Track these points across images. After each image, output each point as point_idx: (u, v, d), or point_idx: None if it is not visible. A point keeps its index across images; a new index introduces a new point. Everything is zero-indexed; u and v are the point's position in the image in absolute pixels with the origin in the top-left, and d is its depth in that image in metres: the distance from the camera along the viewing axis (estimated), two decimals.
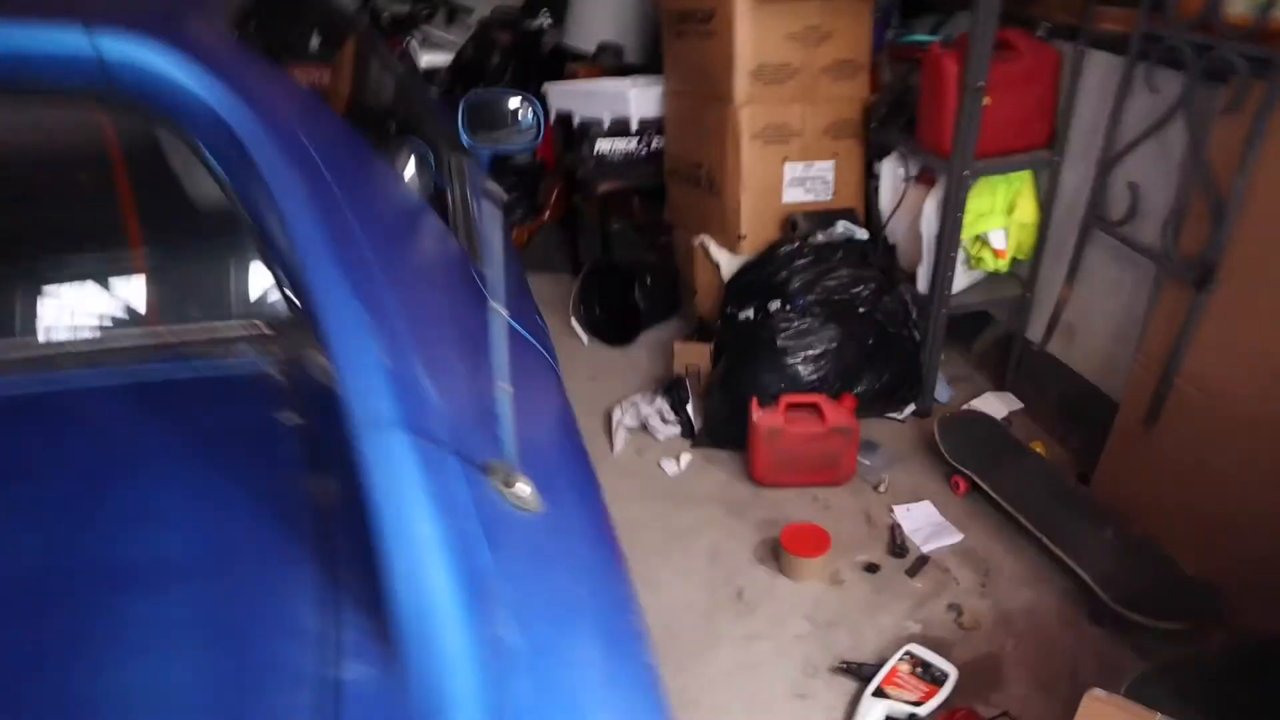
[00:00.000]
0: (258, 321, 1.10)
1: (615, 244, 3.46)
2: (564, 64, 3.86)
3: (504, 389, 0.89)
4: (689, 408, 2.87)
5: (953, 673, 1.96)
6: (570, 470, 1.13)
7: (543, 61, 3.98)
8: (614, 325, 3.37)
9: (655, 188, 3.40)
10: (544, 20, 4.05)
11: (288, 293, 1.09)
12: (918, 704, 1.90)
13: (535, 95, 2.46)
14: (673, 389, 2.95)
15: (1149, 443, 2.25)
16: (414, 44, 4.23)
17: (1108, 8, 2.38)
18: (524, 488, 0.94)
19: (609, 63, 3.66)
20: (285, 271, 1.00)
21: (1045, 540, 2.27)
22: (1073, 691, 1.72)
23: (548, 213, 4.09)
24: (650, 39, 3.61)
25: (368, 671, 0.69)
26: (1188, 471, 2.15)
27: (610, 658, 0.84)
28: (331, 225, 0.96)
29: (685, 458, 2.74)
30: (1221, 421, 2.04)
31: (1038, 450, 2.63)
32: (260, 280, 1.15)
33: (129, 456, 0.91)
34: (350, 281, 0.89)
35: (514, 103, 2.04)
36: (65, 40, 0.93)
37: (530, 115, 2.05)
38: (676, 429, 2.85)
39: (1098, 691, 1.45)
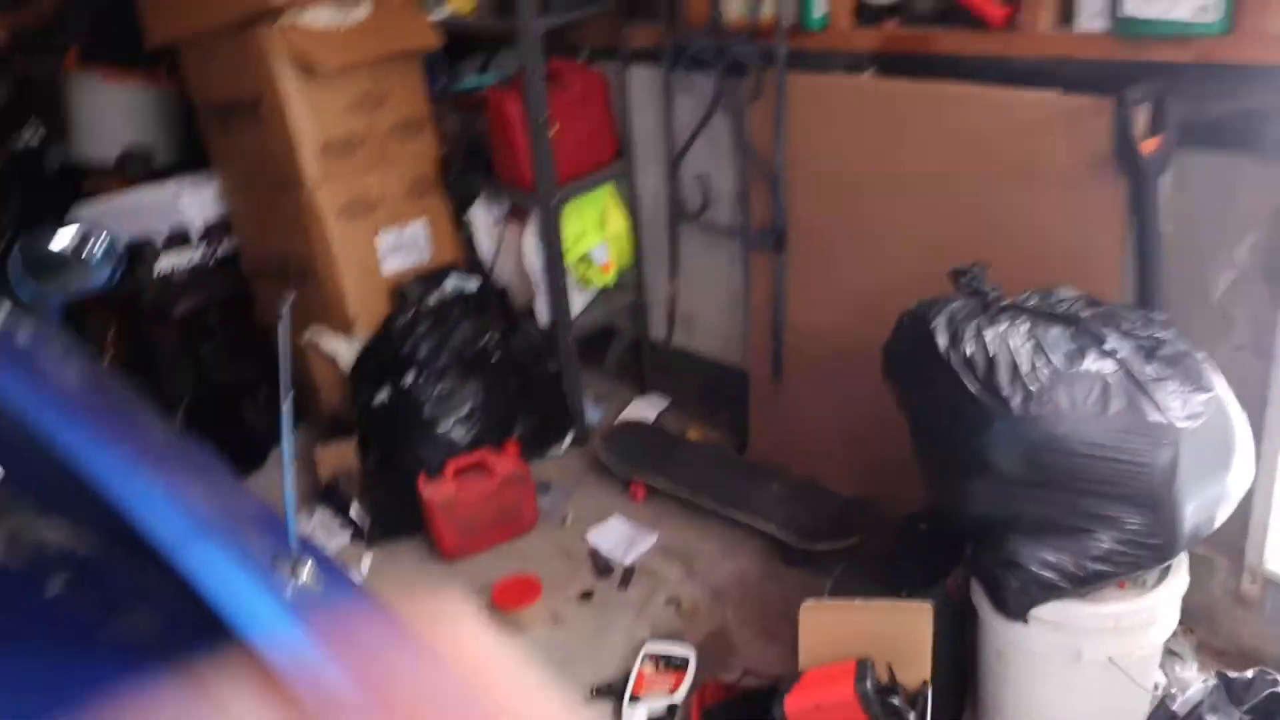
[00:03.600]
0: None
1: (209, 368, 3.57)
2: (79, 182, 3.88)
3: (287, 488, 1.17)
4: (352, 511, 3.09)
5: (691, 654, 2.41)
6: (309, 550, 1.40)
7: (51, 184, 3.96)
8: (236, 455, 3.47)
9: (233, 297, 3.57)
10: (37, 133, 4.03)
11: None
12: (671, 693, 2.32)
13: (56, 226, 2.51)
14: (328, 497, 3.15)
15: (781, 396, 2.90)
16: None
17: (636, 26, 3.02)
18: (307, 571, 1.22)
19: (138, 171, 3.76)
20: None
21: (726, 512, 2.82)
22: (793, 630, 2.24)
23: (108, 357, 4.06)
24: (182, 135, 3.77)
25: None
26: (815, 409, 2.81)
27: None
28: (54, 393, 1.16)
29: (366, 560, 2.96)
30: (824, 359, 2.72)
31: (694, 437, 3.21)
32: None
33: None
34: (101, 432, 1.11)
35: (75, 236, 2.18)
36: None
37: (105, 245, 2.20)
38: (347, 536, 3.06)
39: (809, 601, 1.96)
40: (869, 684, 1.78)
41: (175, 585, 1.06)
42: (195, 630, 1.03)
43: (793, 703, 1.82)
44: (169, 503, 1.06)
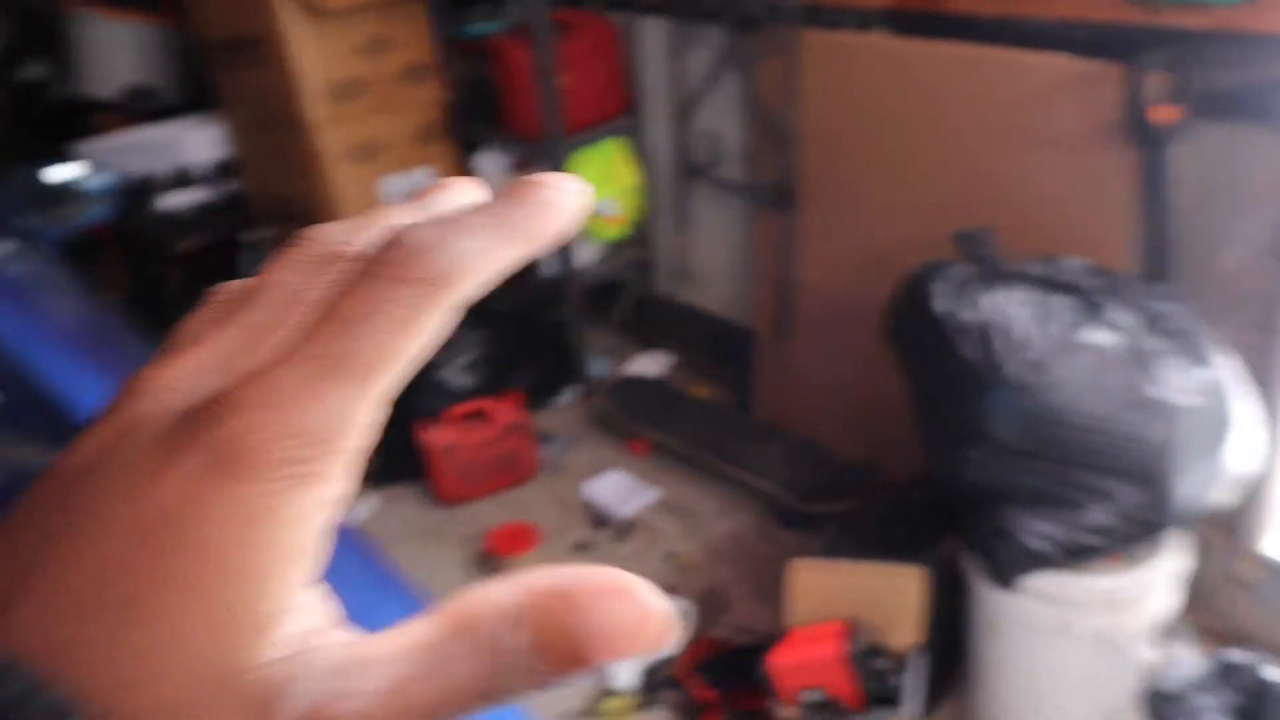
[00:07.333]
0: None
1: None
2: (84, 118, 3.87)
3: None
4: None
5: (684, 606, 2.43)
6: None
7: (55, 119, 3.95)
8: None
9: (240, 238, 3.57)
10: (42, 68, 4.02)
11: None
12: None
13: (57, 160, 2.52)
14: None
15: (786, 355, 2.89)
16: None
17: None
18: None
19: (144, 108, 3.75)
20: None
21: (727, 470, 2.83)
22: (784, 592, 2.26)
23: (112, 293, 4.08)
24: (190, 74, 3.75)
25: None
26: (821, 371, 2.81)
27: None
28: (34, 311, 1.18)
29: (367, 502, 2.99)
30: (830, 319, 2.72)
31: (698, 394, 3.22)
32: None
33: None
34: (88, 364, 1.13)
35: (73, 171, 2.20)
36: None
37: (100, 180, 2.22)
38: None
39: (798, 560, 1.98)
40: (856, 645, 1.80)
41: None
42: None
43: (776, 660, 1.84)
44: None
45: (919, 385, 1.93)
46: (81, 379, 1.15)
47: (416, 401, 3.02)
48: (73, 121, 3.87)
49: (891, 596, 1.92)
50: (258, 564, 0.21)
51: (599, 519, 2.82)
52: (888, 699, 1.83)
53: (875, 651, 1.85)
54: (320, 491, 0.22)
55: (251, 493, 0.21)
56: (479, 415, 2.97)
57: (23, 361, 1.15)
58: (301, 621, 0.21)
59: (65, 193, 2.12)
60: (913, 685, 1.85)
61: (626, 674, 2.29)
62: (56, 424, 1.14)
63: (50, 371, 1.13)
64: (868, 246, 2.56)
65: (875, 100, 2.44)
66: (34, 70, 3.96)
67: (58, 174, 2.11)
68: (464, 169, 3.41)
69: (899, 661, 1.88)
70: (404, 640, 0.22)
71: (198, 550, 0.21)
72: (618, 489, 2.93)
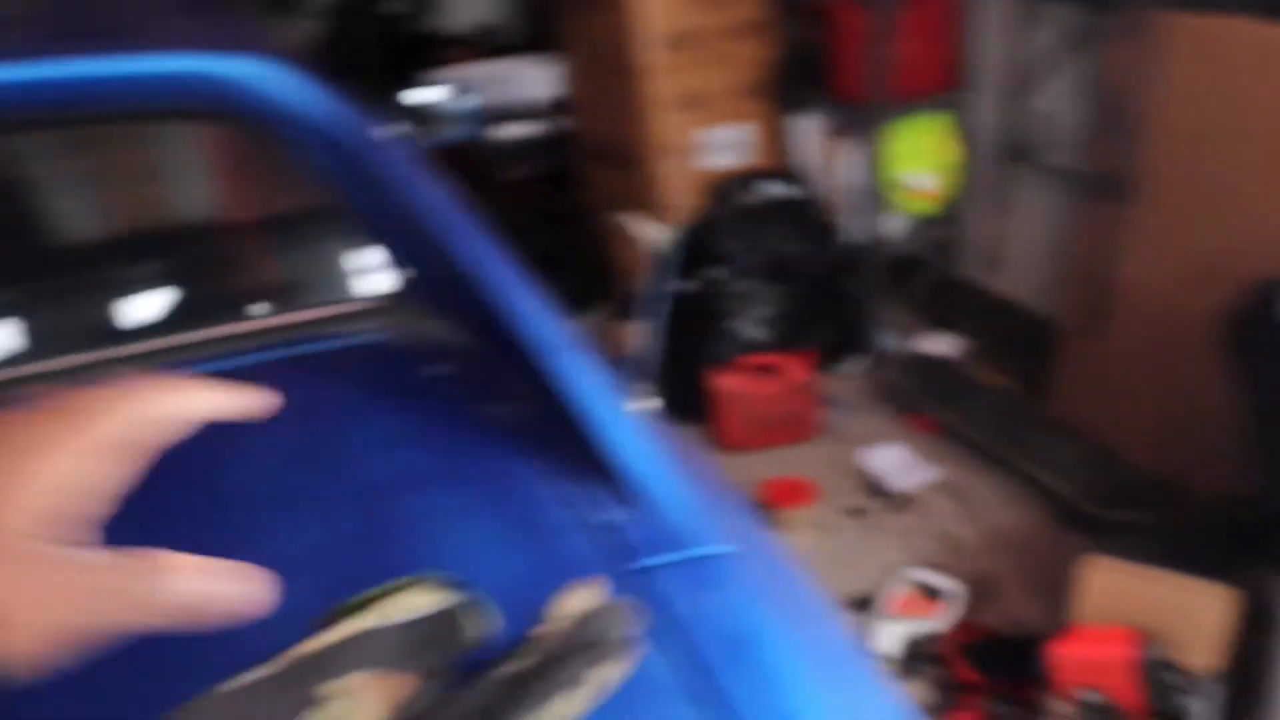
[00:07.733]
0: (367, 300, 1.46)
1: (527, 236, 3.79)
2: (436, 50, 4.17)
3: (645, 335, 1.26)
4: (634, 390, 3.25)
5: (957, 587, 2.41)
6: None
7: (412, 49, 4.28)
8: None
9: (559, 173, 3.77)
10: (401, 4, 4.36)
11: (393, 271, 1.45)
12: (928, 620, 2.34)
13: (416, 86, 2.76)
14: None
15: (1093, 354, 2.77)
16: None
17: None
18: (649, 402, 1.33)
19: (489, 44, 4.00)
20: (404, 248, 1.35)
21: (1015, 461, 2.76)
22: (1062, 590, 2.19)
23: None
24: (531, 16, 3.98)
25: (617, 515, 1.05)
26: (1129, 373, 2.67)
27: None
28: (449, 199, 1.31)
29: None
30: (1150, 320, 2.57)
31: (989, 381, 3.14)
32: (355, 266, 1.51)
33: (353, 402, 1.26)
34: (491, 246, 1.24)
35: (438, 94, 2.41)
36: (186, 66, 1.26)
37: (469, 102, 2.42)
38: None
39: (1095, 557, 1.92)
40: (1149, 654, 1.74)
41: (537, 387, 1.18)
42: (550, 425, 1.15)
43: (1061, 651, 1.80)
44: (549, 314, 1.18)
45: (1259, 399, 1.82)
46: (483, 258, 1.25)
47: (708, 348, 3.11)
48: (423, 53, 4.19)
49: (1191, 614, 1.83)
50: (36, 472, 0.41)
51: (874, 488, 2.82)
52: (1174, 718, 1.75)
53: (1168, 665, 1.78)
54: (93, 464, 0.42)
55: (52, 438, 0.42)
56: (769, 369, 3.03)
57: (434, 236, 1.27)
58: (55, 529, 0.41)
59: (432, 113, 2.33)
60: (1204, 710, 1.76)
61: (889, 641, 2.30)
62: (463, 300, 1.26)
63: (456, 248, 1.24)
64: (1206, 248, 2.41)
65: (1242, 93, 2.27)
66: (396, 5, 4.30)
67: (425, 96, 2.33)
68: (780, 129, 3.44)
69: (1192, 682, 1.79)
70: (101, 556, 0.41)
71: (10, 448, 0.41)
72: (897, 462, 2.92)
